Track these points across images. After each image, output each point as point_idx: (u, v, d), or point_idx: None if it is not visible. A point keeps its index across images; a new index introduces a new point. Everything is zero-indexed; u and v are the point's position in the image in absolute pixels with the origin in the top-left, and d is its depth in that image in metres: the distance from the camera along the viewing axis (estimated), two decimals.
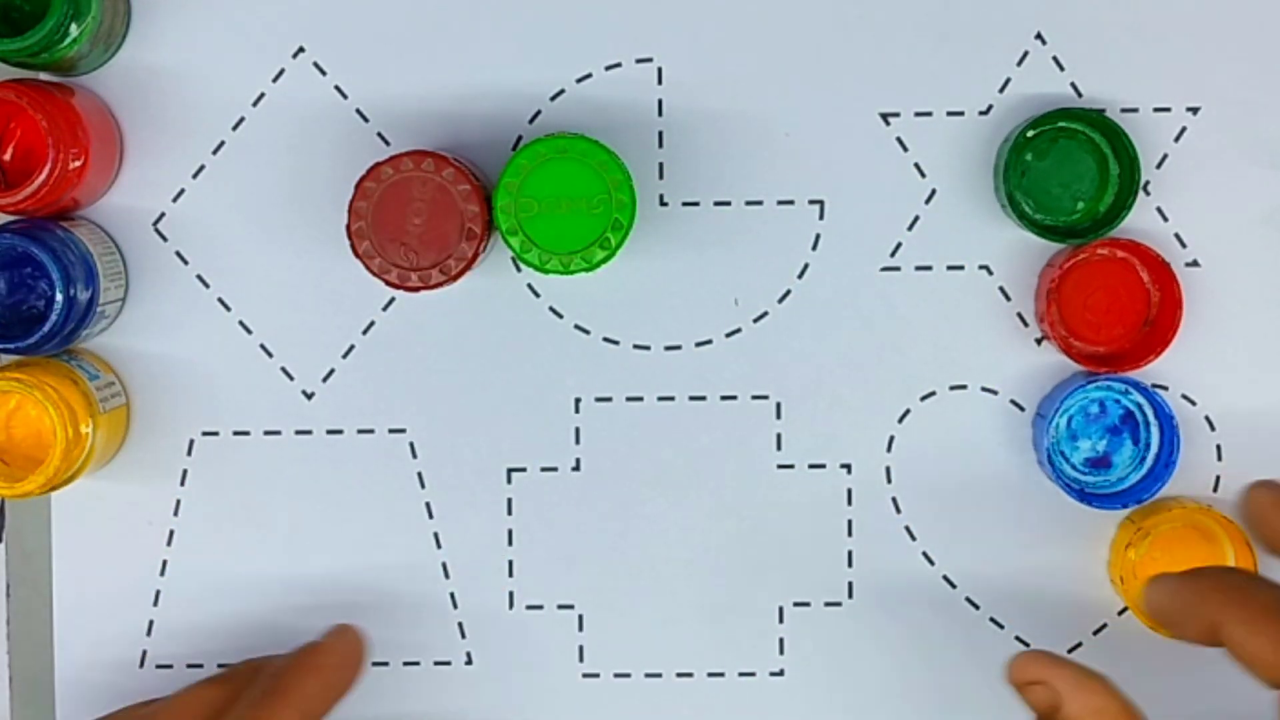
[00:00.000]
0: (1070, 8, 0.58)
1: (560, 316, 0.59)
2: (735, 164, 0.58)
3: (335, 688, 0.46)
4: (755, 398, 0.59)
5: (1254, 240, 0.58)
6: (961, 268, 0.59)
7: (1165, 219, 0.58)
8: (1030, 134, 0.56)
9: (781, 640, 0.59)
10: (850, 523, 0.59)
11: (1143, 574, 0.57)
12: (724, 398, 0.59)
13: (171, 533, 0.59)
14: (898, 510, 0.59)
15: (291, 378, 0.59)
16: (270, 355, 0.59)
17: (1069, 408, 0.57)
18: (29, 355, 0.56)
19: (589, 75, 0.58)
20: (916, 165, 0.58)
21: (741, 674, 0.59)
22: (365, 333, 0.59)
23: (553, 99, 0.58)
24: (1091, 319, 0.57)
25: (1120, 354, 0.58)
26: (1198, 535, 0.57)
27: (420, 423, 0.59)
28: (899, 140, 0.58)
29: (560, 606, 0.59)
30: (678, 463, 0.59)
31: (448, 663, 0.59)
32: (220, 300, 0.59)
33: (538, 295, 0.59)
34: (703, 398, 0.59)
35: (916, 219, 0.59)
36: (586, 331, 0.59)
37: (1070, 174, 0.57)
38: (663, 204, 0.58)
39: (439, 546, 0.59)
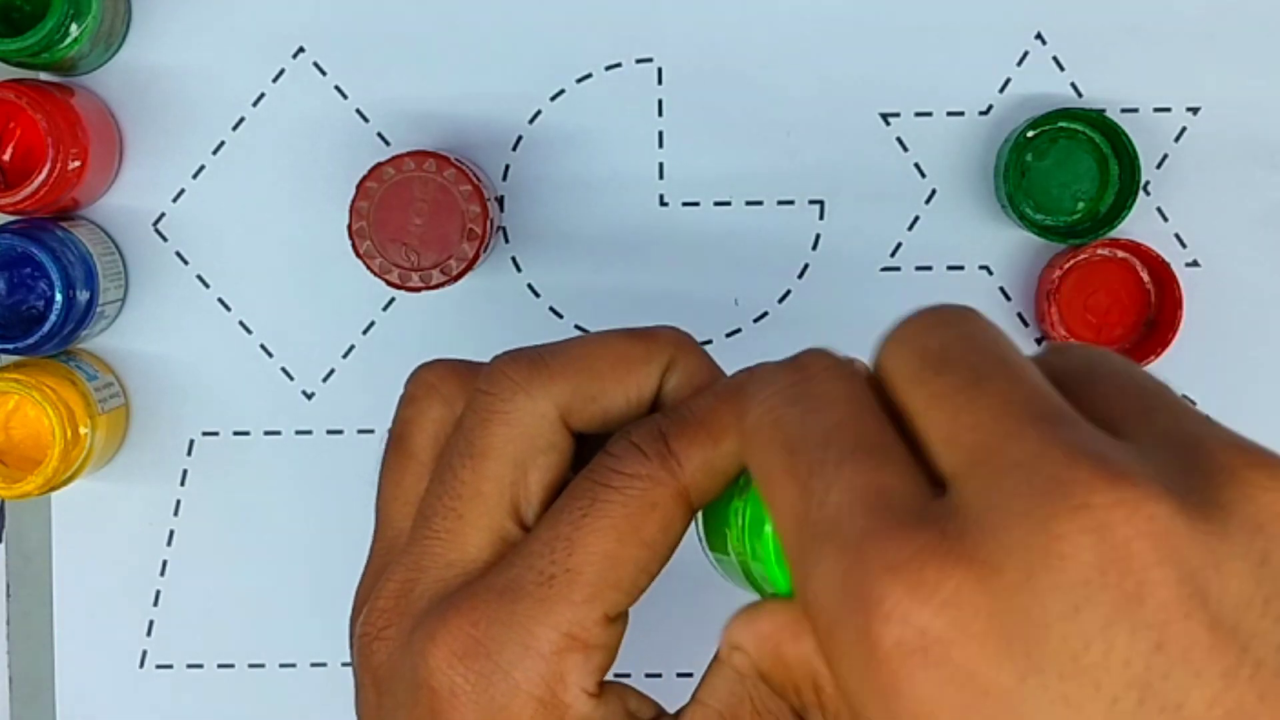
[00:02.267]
0: (1070, 8, 0.58)
1: (560, 316, 0.59)
2: (735, 164, 0.58)
3: None
4: None
5: (1254, 240, 0.58)
6: (961, 268, 0.59)
7: (1165, 219, 0.58)
8: (1030, 134, 0.56)
9: None
10: None
11: None
12: None
13: (171, 533, 0.59)
14: None
15: (291, 378, 0.59)
16: (270, 355, 0.59)
17: None
18: (28, 355, 0.56)
19: (589, 75, 0.58)
20: (916, 165, 0.58)
21: None
22: (365, 333, 0.59)
23: (553, 99, 0.58)
24: (1092, 319, 0.57)
25: (1121, 354, 0.58)
26: None
27: None
28: (899, 140, 0.58)
29: None
30: None
31: None
32: (220, 300, 0.59)
33: (538, 295, 0.59)
34: None
35: (916, 219, 0.59)
36: (586, 332, 0.59)
37: (1070, 174, 0.57)
38: (663, 204, 0.58)
39: None
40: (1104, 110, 0.57)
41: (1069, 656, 0.25)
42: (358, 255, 0.52)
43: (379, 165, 0.53)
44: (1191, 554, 0.25)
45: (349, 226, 0.52)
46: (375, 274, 0.52)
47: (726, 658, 0.33)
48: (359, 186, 0.52)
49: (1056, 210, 0.57)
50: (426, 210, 0.53)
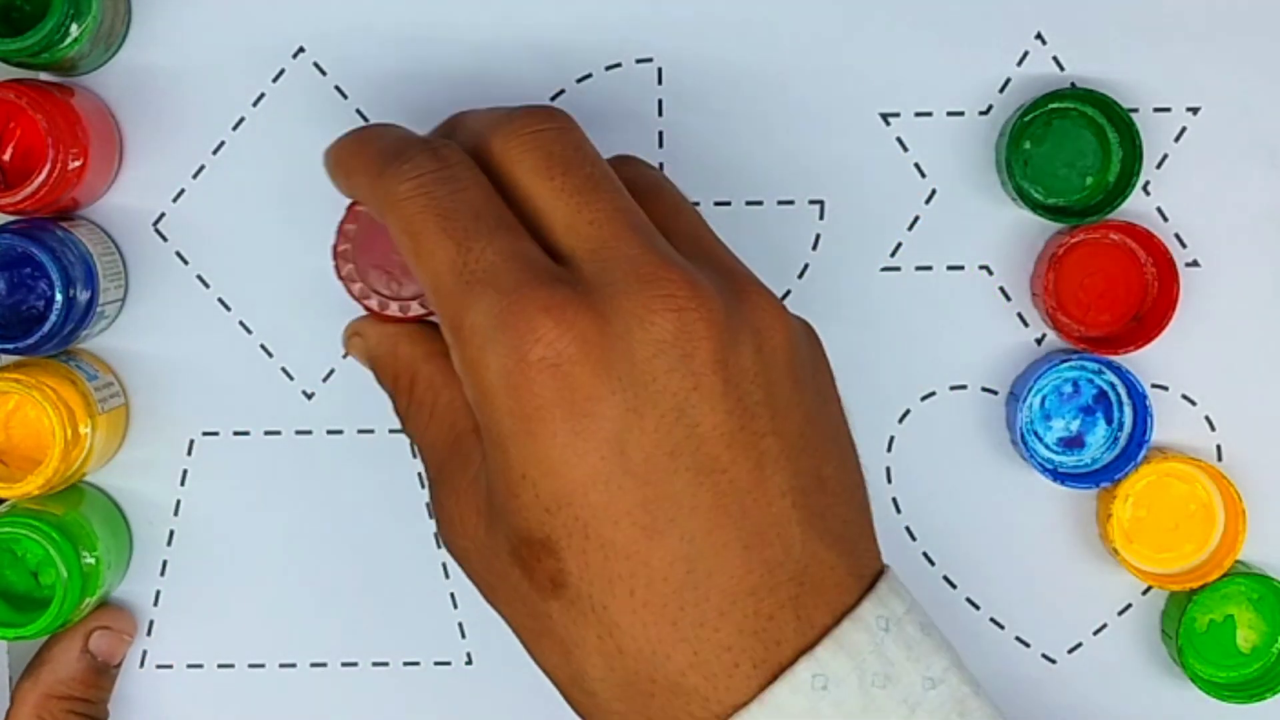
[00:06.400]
0: (1070, 8, 0.58)
1: None
2: (735, 164, 0.58)
3: None
4: None
5: (1254, 240, 0.58)
6: (961, 268, 0.59)
7: (1165, 219, 0.58)
8: (1027, 119, 0.56)
9: None
10: None
11: (1135, 535, 0.57)
12: None
13: (171, 533, 0.59)
14: (898, 510, 0.59)
15: (291, 378, 0.59)
16: (270, 355, 0.59)
17: (1042, 387, 0.57)
18: (28, 356, 0.56)
19: (589, 75, 0.58)
20: (916, 165, 0.58)
21: None
22: None
23: (553, 99, 0.58)
24: (1083, 298, 0.57)
25: (1102, 339, 0.58)
26: (1175, 481, 0.57)
27: None
28: (899, 140, 0.58)
29: None
30: None
31: (448, 663, 0.59)
32: (220, 300, 0.59)
33: None
34: None
35: (916, 219, 0.59)
36: None
37: (1072, 151, 0.57)
38: None
39: (439, 546, 0.59)
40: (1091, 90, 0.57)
41: (643, 383, 0.39)
42: (339, 277, 0.50)
43: None
44: (724, 336, 0.40)
45: (334, 247, 0.50)
46: (354, 298, 0.50)
47: (346, 342, 0.50)
48: (349, 209, 0.50)
49: (1066, 190, 0.57)
50: None
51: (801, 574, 0.40)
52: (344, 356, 0.51)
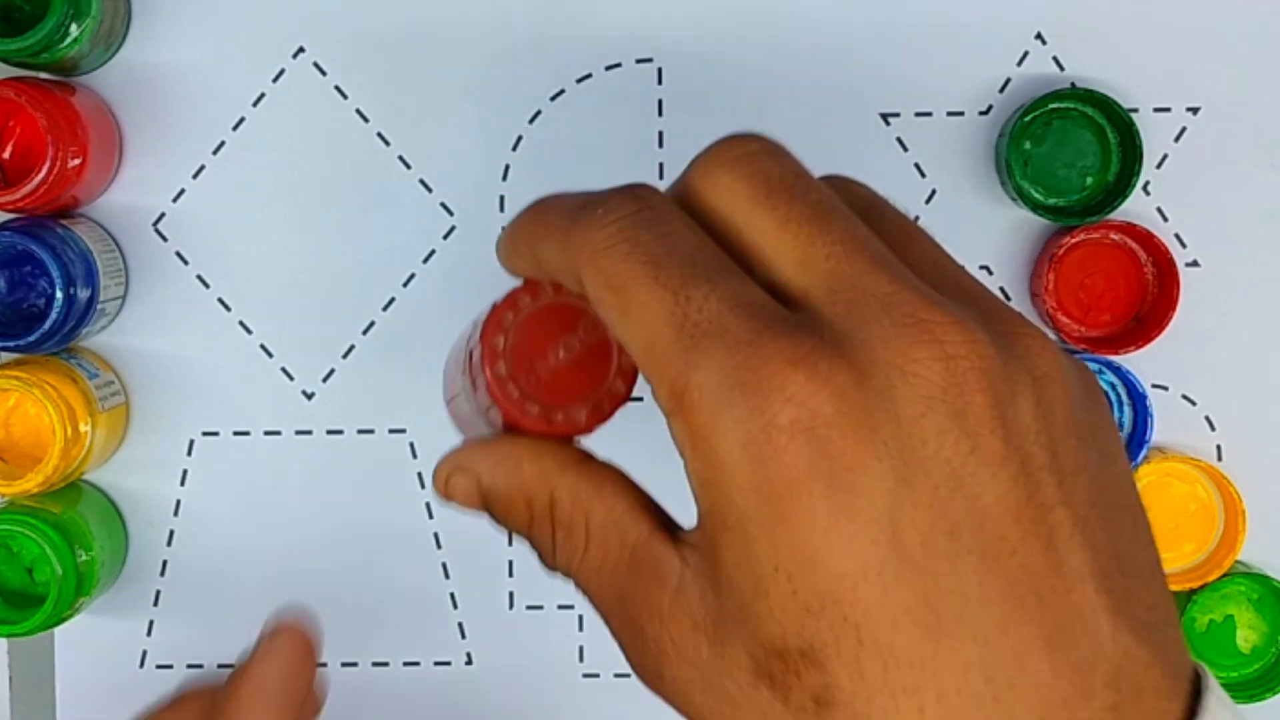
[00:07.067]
0: (1070, 8, 0.58)
1: None
2: None
3: (285, 705, 0.43)
4: None
5: (1254, 240, 0.58)
6: (961, 268, 0.58)
7: (1165, 219, 0.58)
8: (1027, 119, 0.56)
9: None
10: None
11: None
12: None
13: (171, 533, 0.59)
14: None
15: (291, 378, 0.59)
16: (270, 355, 0.59)
17: None
18: (29, 353, 0.56)
19: (589, 75, 0.58)
20: (916, 165, 0.58)
21: None
22: (365, 333, 0.59)
23: (553, 99, 0.58)
24: (1083, 298, 0.57)
25: (1102, 339, 0.58)
26: (1175, 481, 0.57)
27: (420, 423, 0.59)
28: (899, 140, 0.58)
29: (560, 606, 0.59)
30: (678, 463, 0.59)
31: (448, 663, 0.59)
32: (220, 300, 0.59)
33: None
34: None
35: (916, 219, 0.58)
36: None
37: (1072, 152, 0.57)
38: None
39: (439, 546, 0.59)
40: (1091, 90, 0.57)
41: (911, 448, 0.32)
42: (487, 374, 0.38)
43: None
44: (1000, 387, 0.33)
45: (482, 338, 0.38)
46: (496, 401, 0.38)
47: (442, 485, 0.39)
48: (507, 296, 0.39)
49: (1067, 190, 0.57)
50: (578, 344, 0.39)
51: (1116, 677, 0.33)
52: (443, 501, 0.39)
